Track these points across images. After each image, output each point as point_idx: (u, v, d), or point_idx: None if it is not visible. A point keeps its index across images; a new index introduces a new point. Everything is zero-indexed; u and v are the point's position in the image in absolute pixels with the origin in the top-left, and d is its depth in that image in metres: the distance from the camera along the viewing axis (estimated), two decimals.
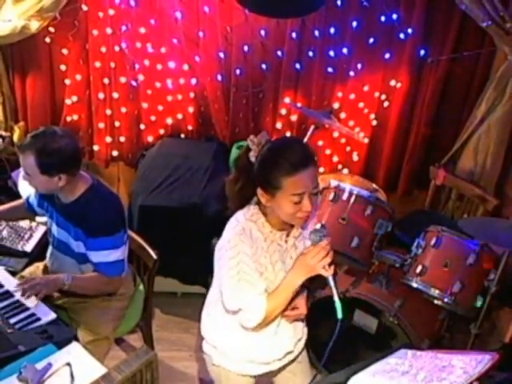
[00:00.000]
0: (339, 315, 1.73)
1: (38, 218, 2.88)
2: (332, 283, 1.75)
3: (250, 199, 1.88)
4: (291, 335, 2.05)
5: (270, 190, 1.75)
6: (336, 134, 3.77)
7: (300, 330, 2.11)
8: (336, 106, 3.69)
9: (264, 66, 3.61)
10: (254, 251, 1.81)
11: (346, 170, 3.84)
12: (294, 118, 3.75)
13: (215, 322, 2.04)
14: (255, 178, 1.79)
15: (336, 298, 1.74)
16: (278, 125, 3.78)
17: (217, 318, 2.03)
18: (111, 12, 3.45)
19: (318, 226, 1.86)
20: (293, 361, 2.13)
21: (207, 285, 3.45)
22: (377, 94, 3.66)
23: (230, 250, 1.80)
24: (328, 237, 1.77)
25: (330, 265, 1.74)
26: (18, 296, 2.22)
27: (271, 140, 1.83)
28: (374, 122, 3.75)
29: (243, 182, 1.84)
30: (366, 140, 3.76)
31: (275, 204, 1.78)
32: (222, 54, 3.57)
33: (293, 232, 1.93)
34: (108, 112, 3.75)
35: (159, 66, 3.62)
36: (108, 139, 3.83)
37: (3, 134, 3.58)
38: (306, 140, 3.16)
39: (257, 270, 1.82)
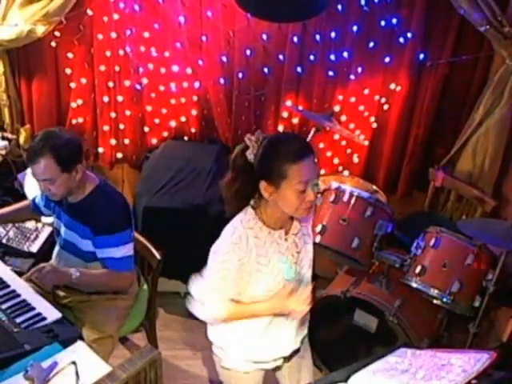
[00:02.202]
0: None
1: (44, 219, 2.92)
2: None
3: (248, 200, 1.87)
4: (294, 334, 2.07)
5: (275, 181, 1.75)
6: (337, 137, 3.79)
7: (305, 327, 2.14)
8: (337, 108, 3.71)
9: (266, 70, 3.64)
10: (245, 261, 1.84)
11: (346, 172, 3.86)
12: (295, 120, 3.77)
13: (217, 325, 2.06)
14: (257, 171, 1.78)
15: None
16: (280, 127, 3.81)
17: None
18: (116, 16, 3.48)
19: None
20: (296, 352, 2.16)
21: None
22: (377, 97, 3.68)
23: (221, 255, 1.85)
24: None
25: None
26: (24, 295, 2.24)
27: (268, 135, 1.84)
28: (374, 125, 3.77)
29: (241, 181, 1.83)
30: (367, 142, 3.78)
31: (279, 196, 1.77)
32: (224, 58, 3.60)
33: (292, 229, 1.93)
34: (113, 115, 3.78)
35: (163, 70, 3.64)
36: (113, 141, 3.86)
37: (9, 136, 3.61)
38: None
39: (236, 284, 1.87)
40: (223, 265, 1.84)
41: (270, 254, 1.88)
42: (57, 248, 2.59)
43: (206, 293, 1.90)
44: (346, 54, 3.55)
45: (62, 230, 2.48)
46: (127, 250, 2.41)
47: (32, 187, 3.16)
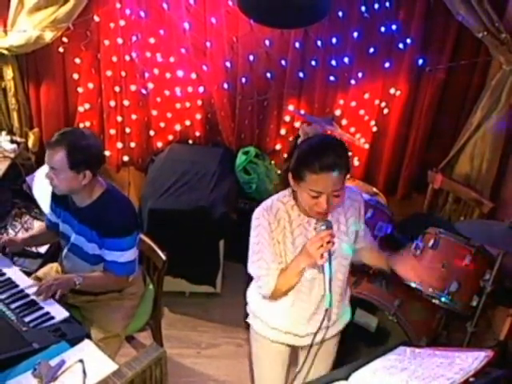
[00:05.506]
0: (327, 305, 1.84)
1: None
2: (326, 273, 1.84)
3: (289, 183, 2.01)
4: (308, 318, 2.14)
5: (296, 179, 1.91)
6: None
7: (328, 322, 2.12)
8: (338, 113, 3.76)
9: (269, 75, 3.69)
10: (273, 227, 1.97)
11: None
12: (297, 124, 3.81)
13: (253, 287, 2.24)
14: (291, 163, 1.95)
15: (327, 289, 1.84)
16: (282, 131, 3.86)
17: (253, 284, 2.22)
18: (122, 23, 3.53)
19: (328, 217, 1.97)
20: (321, 342, 2.18)
21: (214, 284, 3.57)
22: (377, 102, 3.72)
23: (253, 220, 2.02)
24: (330, 229, 1.87)
25: (330, 255, 1.83)
26: (32, 295, 2.27)
27: (317, 134, 1.95)
28: (374, 129, 3.81)
29: (287, 165, 2.03)
30: (367, 146, 3.83)
31: (298, 191, 1.94)
32: (228, 63, 3.65)
33: None
34: (119, 119, 3.82)
35: (168, 75, 3.69)
36: (119, 145, 3.90)
37: (18, 139, 3.67)
38: None
39: (272, 246, 1.98)
40: (257, 230, 2.00)
41: (296, 234, 2.01)
42: (64, 251, 2.61)
43: (254, 264, 2.02)
44: (346, 60, 3.60)
45: (72, 234, 2.49)
46: (130, 256, 2.45)
47: (40, 190, 3.21)
